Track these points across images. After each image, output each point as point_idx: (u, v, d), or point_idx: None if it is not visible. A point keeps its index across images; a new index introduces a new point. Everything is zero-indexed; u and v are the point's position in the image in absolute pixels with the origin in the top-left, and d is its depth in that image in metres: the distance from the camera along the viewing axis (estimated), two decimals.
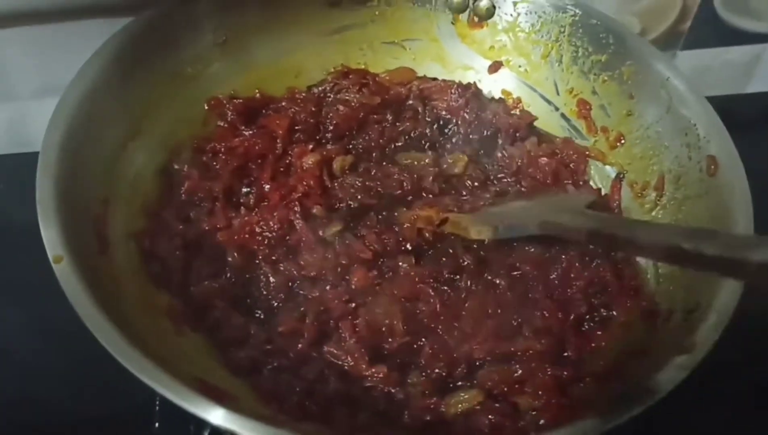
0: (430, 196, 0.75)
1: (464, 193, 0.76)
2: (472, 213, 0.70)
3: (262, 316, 0.67)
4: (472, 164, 0.78)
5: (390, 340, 0.65)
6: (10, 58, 0.87)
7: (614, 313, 0.68)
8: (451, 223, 0.70)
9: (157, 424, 0.70)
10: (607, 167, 0.79)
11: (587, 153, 0.80)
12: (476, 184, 0.77)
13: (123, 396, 0.68)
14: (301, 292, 0.68)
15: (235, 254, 0.70)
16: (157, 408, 0.70)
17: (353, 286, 0.67)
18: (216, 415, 0.49)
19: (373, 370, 0.62)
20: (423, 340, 0.65)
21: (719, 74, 1.11)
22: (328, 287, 0.68)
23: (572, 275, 0.69)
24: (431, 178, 0.76)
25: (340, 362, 0.63)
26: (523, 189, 0.76)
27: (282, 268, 0.69)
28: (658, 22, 1.04)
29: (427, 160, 0.78)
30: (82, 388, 0.72)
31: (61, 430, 0.70)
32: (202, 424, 0.63)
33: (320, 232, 0.70)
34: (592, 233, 0.60)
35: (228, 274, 0.69)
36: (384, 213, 0.73)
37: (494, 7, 0.83)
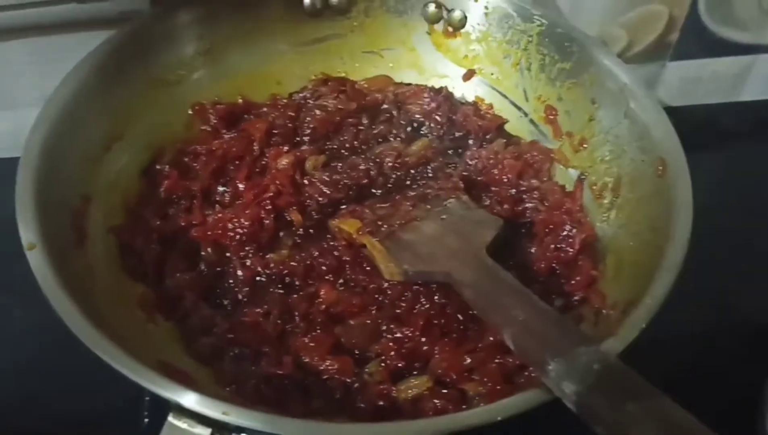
0: (353, 206, 0.77)
1: (394, 193, 0.79)
2: (387, 241, 0.72)
3: (228, 307, 0.71)
4: (432, 150, 0.82)
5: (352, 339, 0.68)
6: (14, 69, 0.93)
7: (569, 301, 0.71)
8: (369, 251, 0.73)
9: (146, 420, 0.73)
10: (570, 170, 0.82)
11: (552, 155, 0.83)
12: (429, 171, 0.82)
13: (112, 394, 0.72)
14: (268, 289, 0.72)
15: (209, 249, 0.74)
16: (147, 403, 0.73)
17: (320, 299, 0.71)
18: (181, 395, 0.51)
19: (328, 362, 0.65)
20: (386, 335, 0.69)
21: (709, 85, 1.13)
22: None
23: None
24: (390, 163, 0.80)
25: (300, 355, 0.66)
26: (440, 192, 0.78)
27: (249, 264, 0.73)
28: (646, 34, 1.06)
29: (395, 145, 0.82)
30: (71, 385, 0.75)
31: (48, 428, 0.74)
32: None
33: (268, 256, 0.73)
34: (473, 303, 0.66)
35: (200, 268, 0.73)
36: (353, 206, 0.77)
37: (466, 17, 0.87)
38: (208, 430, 0.52)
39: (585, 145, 0.80)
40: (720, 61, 1.10)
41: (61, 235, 0.64)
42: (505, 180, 0.80)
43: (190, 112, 0.83)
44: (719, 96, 1.15)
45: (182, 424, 0.52)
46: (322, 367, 0.65)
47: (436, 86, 0.89)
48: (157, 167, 0.79)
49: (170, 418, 0.52)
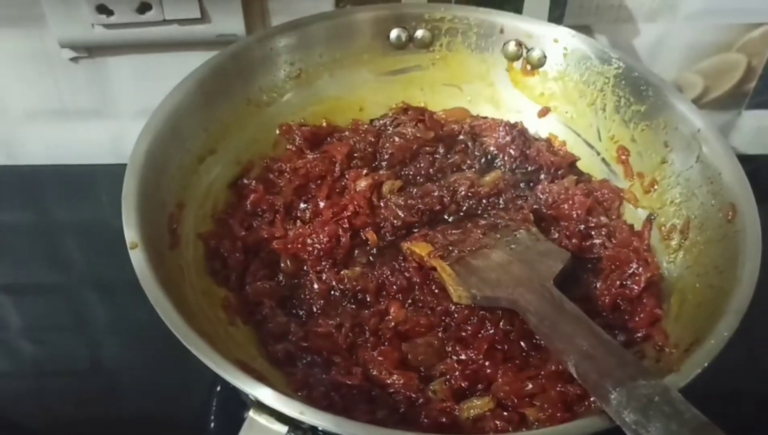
0: (426, 230, 0.81)
1: (466, 221, 0.82)
2: (456, 265, 0.75)
3: (303, 317, 0.75)
4: (504, 181, 0.85)
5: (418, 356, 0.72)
6: (117, 83, 1.00)
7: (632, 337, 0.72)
8: (438, 273, 0.76)
9: (212, 425, 0.78)
10: (639, 209, 0.84)
11: (622, 194, 0.85)
12: (501, 201, 0.85)
13: (181, 398, 0.79)
14: (341, 302, 0.76)
15: (288, 261, 0.78)
16: (214, 409, 0.79)
17: (390, 317, 0.74)
18: (264, 393, 0.55)
19: (395, 377, 0.68)
20: (451, 356, 0.72)
21: None
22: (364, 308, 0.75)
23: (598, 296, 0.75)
24: (464, 192, 0.83)
25: (368, 367, 0.70)
26: (510, 223, 0.80)
27: (324, 278, 0.77)
28: (723, 81, 1.08)
29: (468, 175, 0.85)
30: (143, 386, 0.82)
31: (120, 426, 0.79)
32: None
33: (342, 272, 0.77)
34: (537, 330, 0.68)
35: (279, 278, 0.78)
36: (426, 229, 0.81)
37: (545, 57, 0.90)
38: (285, 428, 0.56)
39: (655, 187, 0.82)
40: None
41: (159, 236, 0.70)
42: (575, 215, 0.83)
43: (277, 132, 0.89)
44: None
45: (262, 420, 0.56)
46: (388, 381, 0.68)
47: (512, 121, 0.92)
48: (245, 181, 0.84)
49: (251, 413, 0.56)
